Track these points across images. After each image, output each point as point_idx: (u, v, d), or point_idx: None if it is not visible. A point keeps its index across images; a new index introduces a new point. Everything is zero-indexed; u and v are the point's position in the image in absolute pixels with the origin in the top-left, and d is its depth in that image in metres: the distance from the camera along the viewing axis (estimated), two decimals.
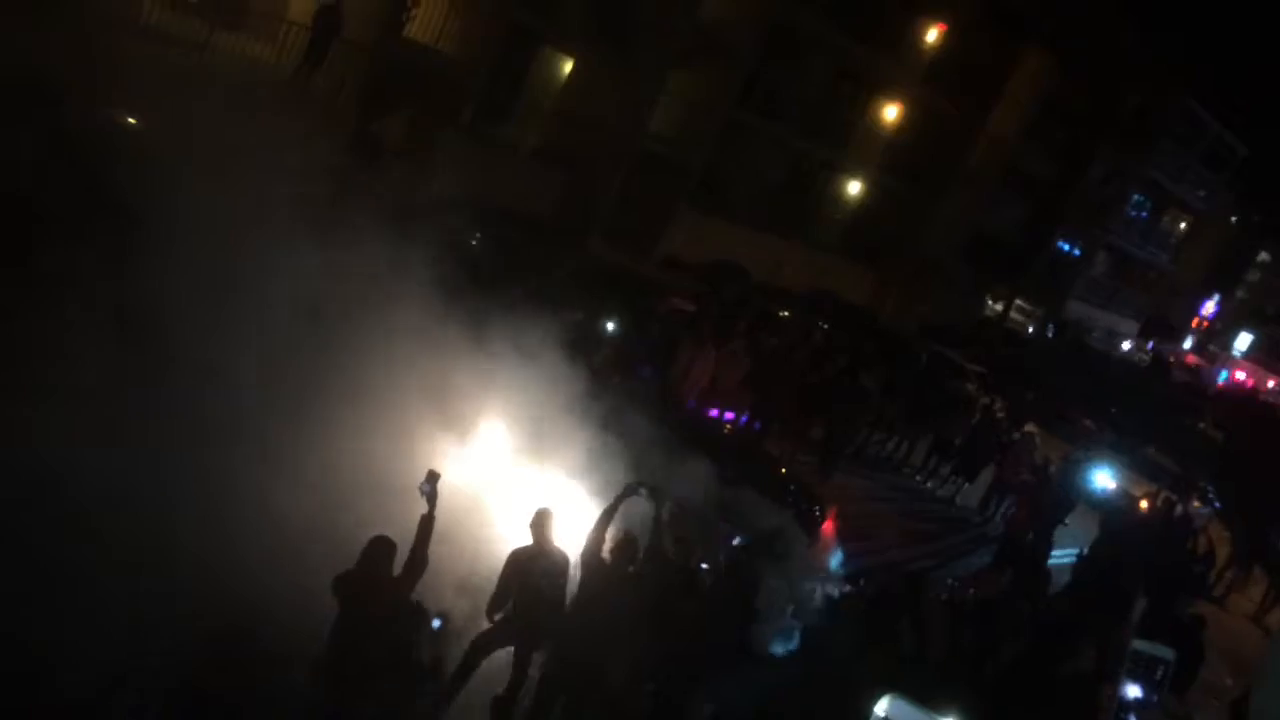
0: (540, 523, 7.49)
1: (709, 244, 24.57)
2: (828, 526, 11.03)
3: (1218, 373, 53.82)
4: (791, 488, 11.55)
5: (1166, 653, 3.32)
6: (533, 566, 7.29)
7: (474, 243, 15.02)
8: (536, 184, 21.52)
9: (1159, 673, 3.74)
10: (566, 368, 9.76)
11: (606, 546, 7.40)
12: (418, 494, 6.54)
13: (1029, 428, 18.50)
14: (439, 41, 19.40)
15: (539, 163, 22.02)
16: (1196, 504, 19.52)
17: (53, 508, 6.44)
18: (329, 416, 8.05)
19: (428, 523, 6.47)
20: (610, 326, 12.26)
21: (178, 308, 7.85)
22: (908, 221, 30.63)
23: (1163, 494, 17.22)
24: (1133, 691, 3.74)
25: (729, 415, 14.74)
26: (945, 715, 7.88)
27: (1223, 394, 46.63)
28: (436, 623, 6.93)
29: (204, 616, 6.05)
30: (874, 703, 8.00)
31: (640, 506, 7.83)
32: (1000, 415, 18.89)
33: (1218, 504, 21.08)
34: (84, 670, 5.76)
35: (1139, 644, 3.74)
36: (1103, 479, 18.23)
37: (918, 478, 17.96)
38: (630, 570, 7.35)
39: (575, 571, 7.53)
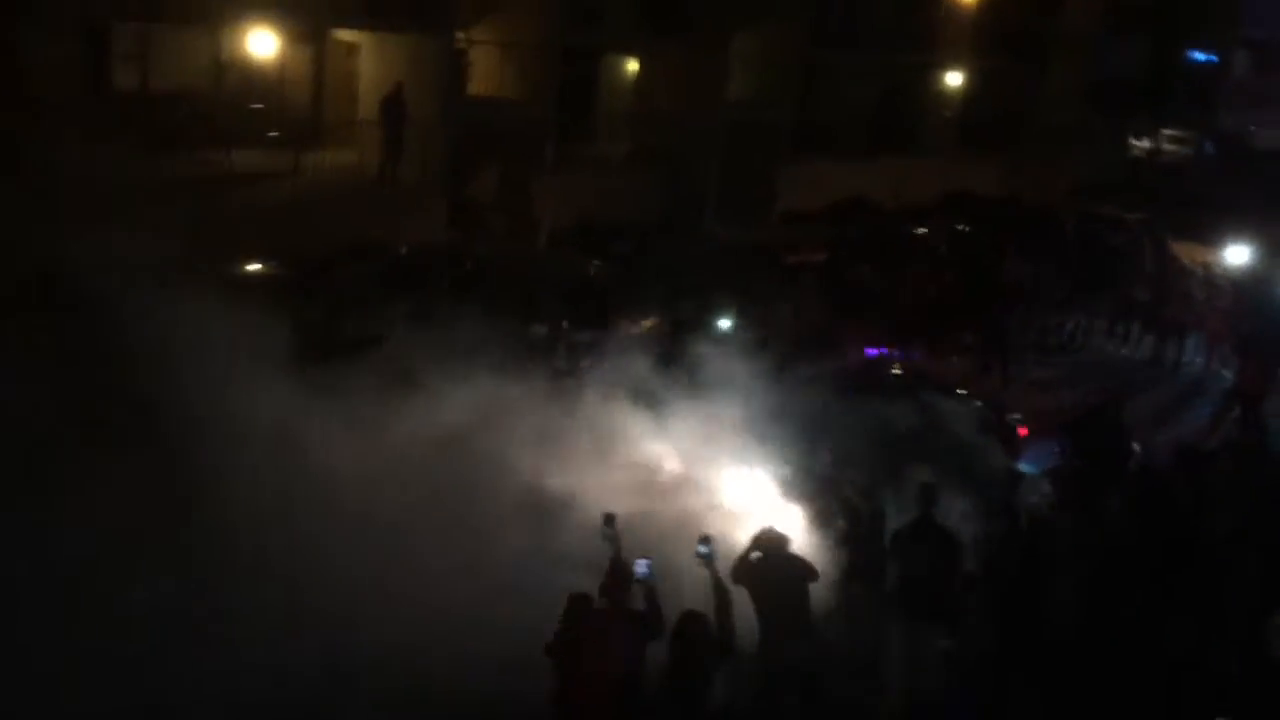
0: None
1: (824, 189, 23.96)
2: (1023, 432, 10.57)
3: None
4: (977, 405, 11.14)
5: None
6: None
7: (594, 270, 15.19)
8: (638, 189, 21.54)
9: None
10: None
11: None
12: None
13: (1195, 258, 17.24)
14: (501, 89, 19.67)
15: (635, 168, 22.04)
16: None
17: None
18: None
19: (619, 565, 6.30)
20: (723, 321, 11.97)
21: None
22: (1021, 96, 29.14)
23: None
24: None
25: (888, 351, 14.38)
26: None
27: None
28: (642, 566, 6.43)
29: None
30: None
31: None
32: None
33: None
34: None
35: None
36: None
37: (1110, 348, 16.95)
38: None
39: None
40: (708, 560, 6.26)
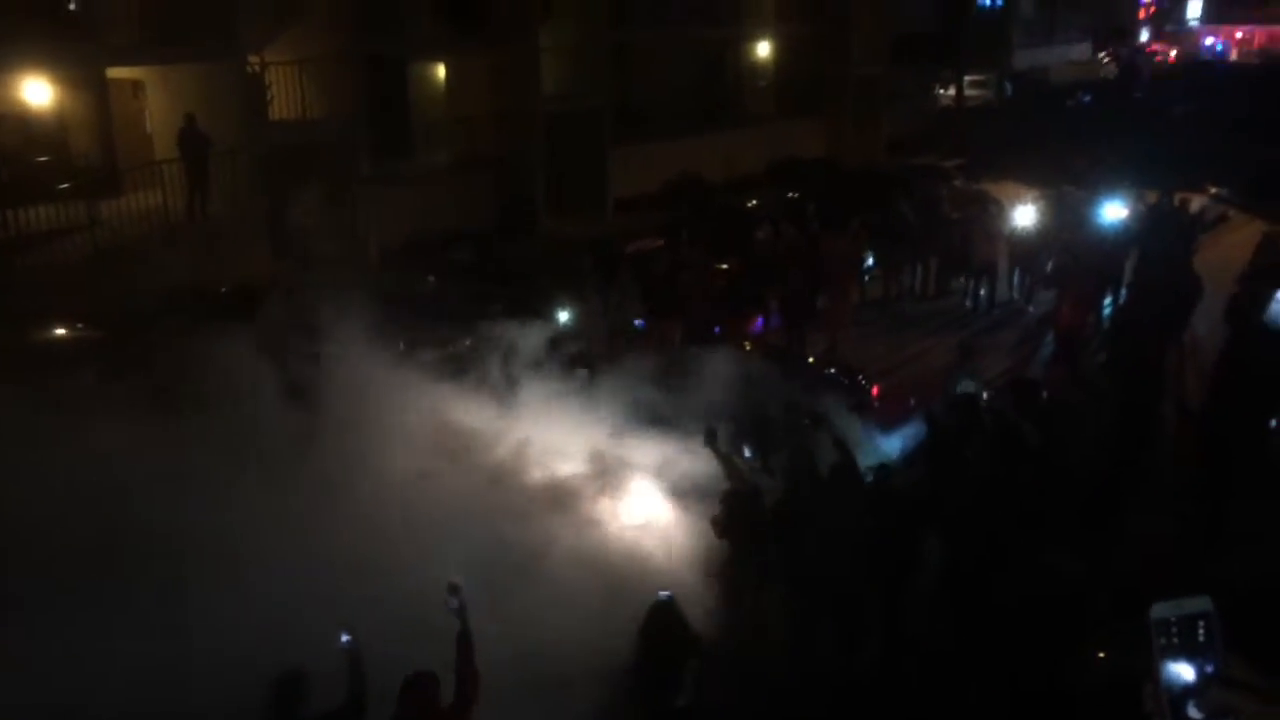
0: None
1: (655, 171, 23.97)
2: (875, 391, 10.66)
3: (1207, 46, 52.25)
4: (832, 372, 11.20)
5: (1201, 604, 2.55)
6: None
7: (429, 284, 14.66)
8: (467, 195, 21.05)
9: (1200, 632, 2.98)
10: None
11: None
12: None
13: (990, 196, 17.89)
14: (306, 109, 18.83)
15: (462, 174, 21.51)
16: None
17: None
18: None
19: (465, 640, 5.64)
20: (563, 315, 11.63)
21: None
22: (828, 58, 29.77)
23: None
24: (1182, 673, 3.00)
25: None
26: None
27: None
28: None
29: None
30: None
31: None
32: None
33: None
34: None
35: (1162, 609, 3.01)
36: (1113, 212, 16.23)
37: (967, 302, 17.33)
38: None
39: None
40: (459, 613, 5.56)
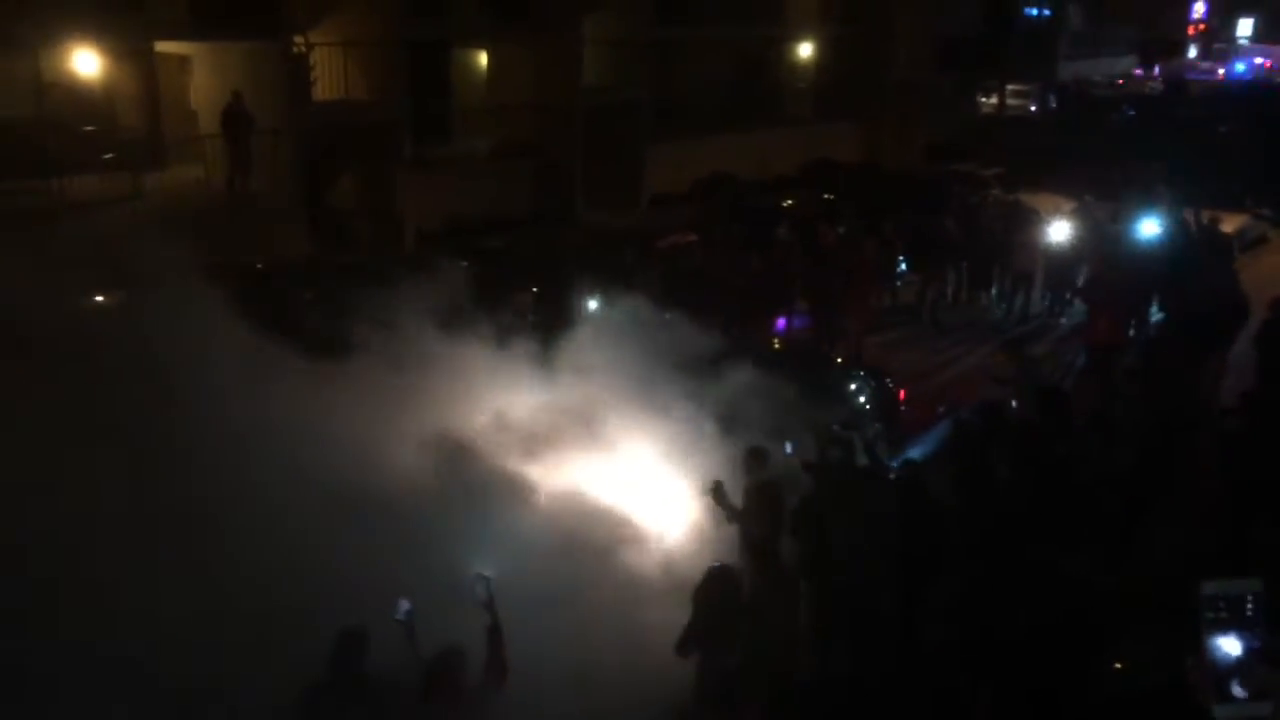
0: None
1: (690, 168, 23.96)
2: (901, 395, 10.64)
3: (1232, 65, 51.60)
4: (860, 374, 11.17)
5: (1252, 583, 2.62)
6: None
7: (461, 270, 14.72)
8: (506, 182, 21.17)
9: (1249, 608, 3.00)
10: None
11: None
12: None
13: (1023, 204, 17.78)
14: (349, 91, 18.99)
15: (500, 161, 21.62)
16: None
17: None
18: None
19: (496, 633, 5.64)
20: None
21: None
22: (870, 62, 29.63)
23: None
24: (1229, 647, 3.02)
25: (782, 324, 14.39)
26: None
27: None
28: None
29: None
30: None
31: None
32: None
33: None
34: None
35: (1212, 585, 3.05)
36: (1149, 228, 15.78)
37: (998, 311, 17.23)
38: None
39: None
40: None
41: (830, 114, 29.24)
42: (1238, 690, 2.99)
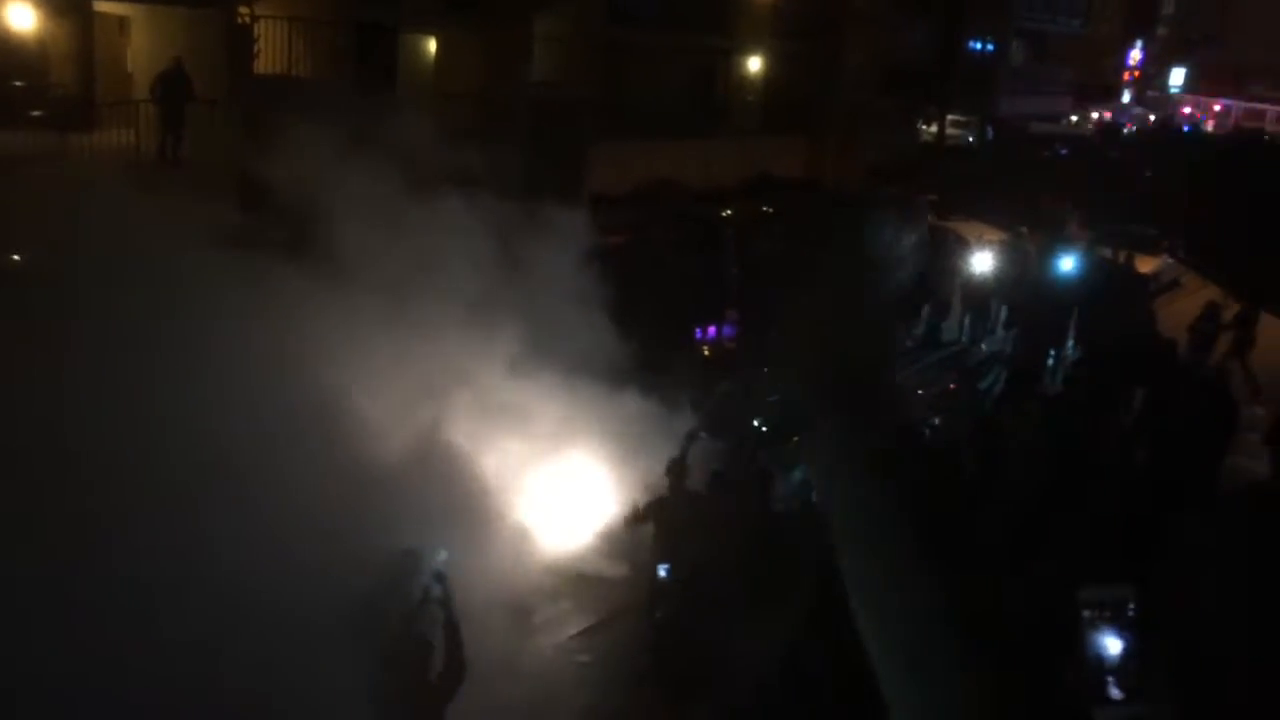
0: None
1: (633, 171, 24.05)
2: None
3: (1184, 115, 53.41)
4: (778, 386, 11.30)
5: (1130, 591, 2.70)
6: None
7: None
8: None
9: (1130, 611, 3.10)
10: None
11: None
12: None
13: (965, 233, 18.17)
14: (293, 68, 18.72)
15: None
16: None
17: None
18: None
19: (451, 628, 5.51)
20: None
21: None
22: (818, 79, 30.03)
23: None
24: (1109, 645, 3.08)
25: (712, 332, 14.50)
26: None
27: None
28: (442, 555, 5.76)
29: None
30: None
31: None
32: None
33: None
34: None
35: (1092, 590, 3.14)
36: (1067, 265, 16.26)
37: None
38: None
39: None
40: (443, 602, 5.55)
41: (776, 129, 29.55)
42: (1114, 692, 3.11)
